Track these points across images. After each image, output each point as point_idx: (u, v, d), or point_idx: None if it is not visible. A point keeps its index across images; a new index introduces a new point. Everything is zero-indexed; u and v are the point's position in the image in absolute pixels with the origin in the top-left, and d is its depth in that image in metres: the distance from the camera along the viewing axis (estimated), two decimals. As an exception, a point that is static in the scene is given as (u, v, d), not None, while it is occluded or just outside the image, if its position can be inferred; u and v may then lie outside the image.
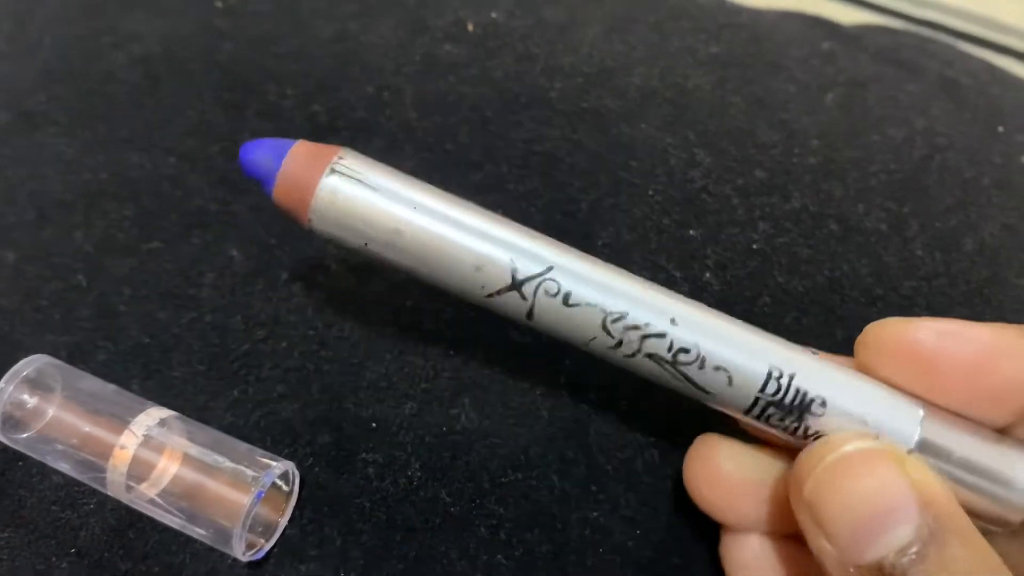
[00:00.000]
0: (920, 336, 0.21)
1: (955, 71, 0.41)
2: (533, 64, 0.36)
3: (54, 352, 0.27)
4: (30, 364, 0.25)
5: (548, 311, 0.21)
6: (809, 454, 0.20)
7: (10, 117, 0.34)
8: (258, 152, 0.22)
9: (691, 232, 0.31)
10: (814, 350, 0.22)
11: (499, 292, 0.21)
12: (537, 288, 0.21)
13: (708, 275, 0.30)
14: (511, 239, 0.21)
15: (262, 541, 0.24)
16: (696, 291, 0.30)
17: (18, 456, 0.25)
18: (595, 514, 0.26)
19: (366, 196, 0.21)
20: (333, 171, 0.21)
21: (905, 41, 0.43)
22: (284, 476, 0.24)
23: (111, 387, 0.25)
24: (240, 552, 0.23)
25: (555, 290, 0.21)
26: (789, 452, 0.22)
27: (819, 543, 0.19)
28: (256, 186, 0.31)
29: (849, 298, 0.31)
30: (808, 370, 0.21)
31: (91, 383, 0.25)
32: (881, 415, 0.21)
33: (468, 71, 0.35)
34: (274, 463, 0.24)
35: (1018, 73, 0.42)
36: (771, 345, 0.21)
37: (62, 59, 0.36)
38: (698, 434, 0.24)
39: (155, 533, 0.24)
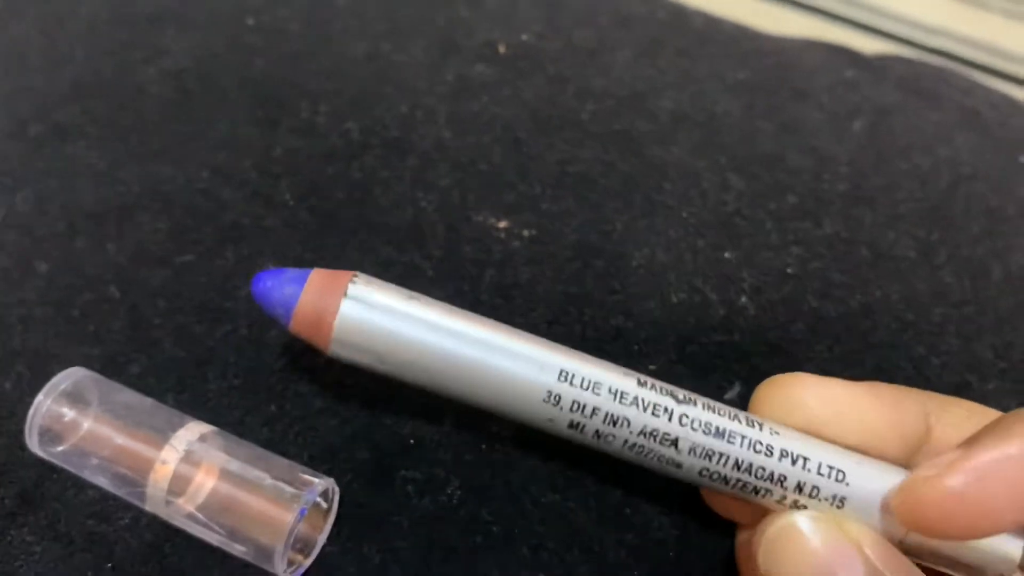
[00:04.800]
0: (959, 487, 0.19)
1: (975, 101, 0.41)
2: (565, 86, 0.36)
3: (87, 364, 0.26)
4: (68, 377, 0.24)
5: None
6: (760, 528, 0.21)
7: (42, 129, 0.33)
8: (270, 286, 0.22)
9: (726, 255, 0.31)
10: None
11: None
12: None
13: (744, 299, 0.30)
14: (518, 407, 0.22)
15: (301, 558, 0.24)
16: (733, 314, 0.30)
17: (52, 469, 0.25)
18: (629, 536, 0.26)
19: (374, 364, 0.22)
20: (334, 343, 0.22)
21: (924, 71, 0.44)
22: (324, 493, 0.24)
23: (149, 401, 0.25)
24: (281, 570, 0.23)
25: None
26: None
27: None
28: (291, 203, 0.31)
29: (880, 324, 0.31)
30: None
31: (129, 396, 0.25)
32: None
33: (500, 92, 0.35)
34: (316, 480, 0.23)
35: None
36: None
37: (93, 73, 0.36)
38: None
39: (191, 549, 0.24)
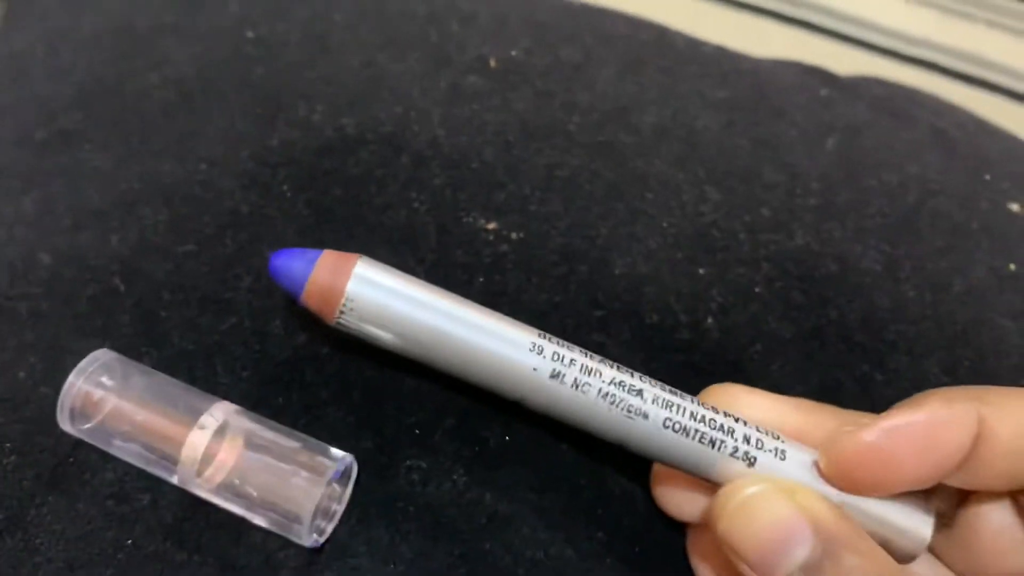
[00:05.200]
0: (873, 440, 0.23)
1: (944, 122, 0.43)
2: (552, 99, 0.38)
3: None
4: (97, 359, 0.26)
5: None
6: (719, 499, 0.24)
7: (47, 135, 0.35)
8: (285, 262, 0.25)
9: (700, 271, 0.33)
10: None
11: None
12: None
13: (710, 320, 0.32)
14: (506, 358, 0.24)
15: (318, 536, 0.25)
16: (697, 337, 0.31)
17: (69, 453, 0.26)
18: (600, 533, 0.27)
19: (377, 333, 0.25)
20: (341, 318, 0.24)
21: (897, 92, 0.46)
22: (345, 469, 0.26)
23: (176, 381, 0.27)
24: (310, 540, 0.24)
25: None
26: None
27: (740, 567, 0.23)
28: (288, 194, 0.33)
29: (828, 344, 0.32)
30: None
31: (157, 376, 0.27)
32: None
33: (491, 101, 0.37)
34: (341, 453, 0.25)
35: (1006, 110, 0.44)
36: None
37: (96, 80, 0.37)
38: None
39: (209, 528, 0.25)
